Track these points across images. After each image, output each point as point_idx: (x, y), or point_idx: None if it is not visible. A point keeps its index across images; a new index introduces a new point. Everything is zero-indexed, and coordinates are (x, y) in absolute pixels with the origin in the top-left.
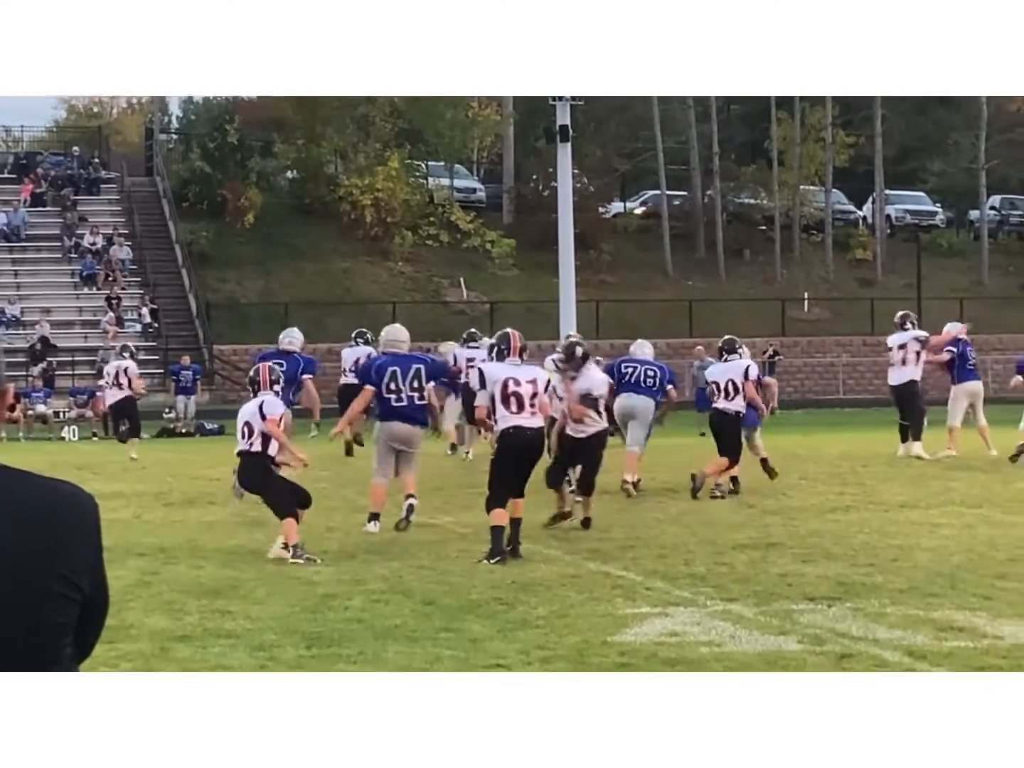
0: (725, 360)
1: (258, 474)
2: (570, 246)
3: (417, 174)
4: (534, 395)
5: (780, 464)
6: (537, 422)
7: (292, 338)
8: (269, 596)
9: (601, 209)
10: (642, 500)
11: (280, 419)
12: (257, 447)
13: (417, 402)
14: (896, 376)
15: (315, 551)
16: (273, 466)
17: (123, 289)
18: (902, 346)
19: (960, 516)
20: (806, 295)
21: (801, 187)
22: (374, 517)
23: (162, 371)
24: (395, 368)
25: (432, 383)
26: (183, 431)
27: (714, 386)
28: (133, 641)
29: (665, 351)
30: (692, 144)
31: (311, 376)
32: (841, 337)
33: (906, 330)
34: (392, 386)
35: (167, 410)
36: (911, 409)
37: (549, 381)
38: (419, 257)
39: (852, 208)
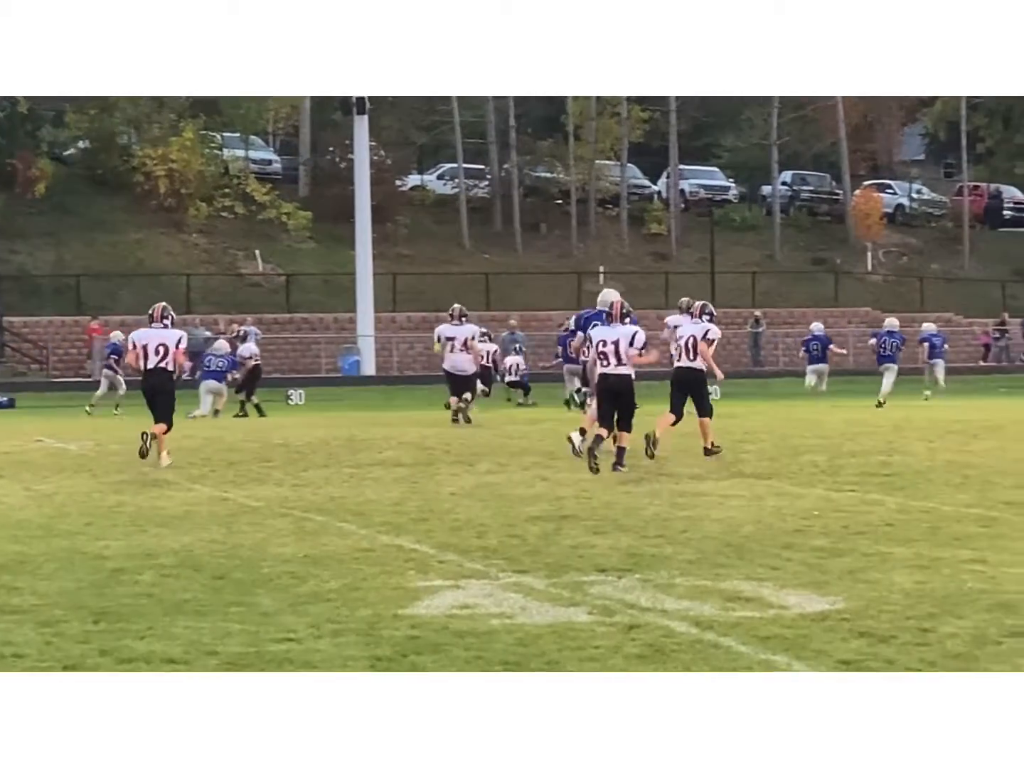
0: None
1: None
2: (367, 219)
3: (212, 145)
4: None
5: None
6: (624, 372)
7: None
8: (57, 571)
9: (398, 182)
10: (436, 473)
11: None
12: None
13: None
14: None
15: (105, 525)
16: None
17: None
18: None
19: (750, 488)
20: (602, 269)
21: (597, 161)
22: (582, 432)
23: None
24: (596, 323)
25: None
26: None
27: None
28: None
29: None
30: (489, 118)
31: None
32: (636, 311)
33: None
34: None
35: None
36: None
37: (635, 336)
38: (214, 229)
39: (647, 182)
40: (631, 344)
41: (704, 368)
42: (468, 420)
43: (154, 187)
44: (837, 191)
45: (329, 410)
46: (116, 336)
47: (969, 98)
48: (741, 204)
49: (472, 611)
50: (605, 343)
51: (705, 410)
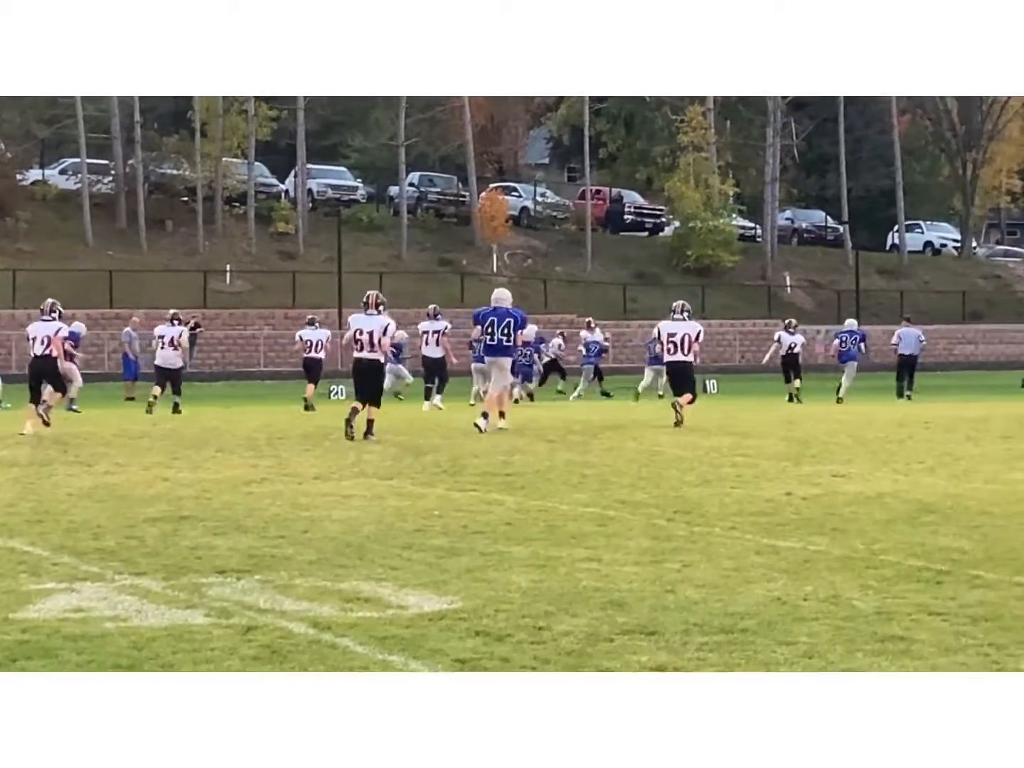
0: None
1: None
2: None
3: None
4: (372, 335)
5: (197, 438)
6: (375, 356)
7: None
8: None
9: (19, 176)
10: (53, 474)
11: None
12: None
13: (504, 343)
14: (427, 351)
15: None
16: None
17: None
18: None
19: (372, 488)
20: (228, 267)
21: (224, 159)
22: (485, 416)
23: None
24: (494, 318)
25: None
26: None
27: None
28: None
29: (85, 321)
30: (114, 112)
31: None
32: (263, 310)
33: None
34: (489, 329)
35: None
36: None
37: (387, 328)
38: None
39: (275, 181)
40: (384, 333)
41: (692, 361)
42: (161, 411)
43: None
44: (463, 193)
45: None
46: None
47: (592, 103)
48: (369, 204)
49: (86, 614)
50: (362, 332)
51: (691, 393)
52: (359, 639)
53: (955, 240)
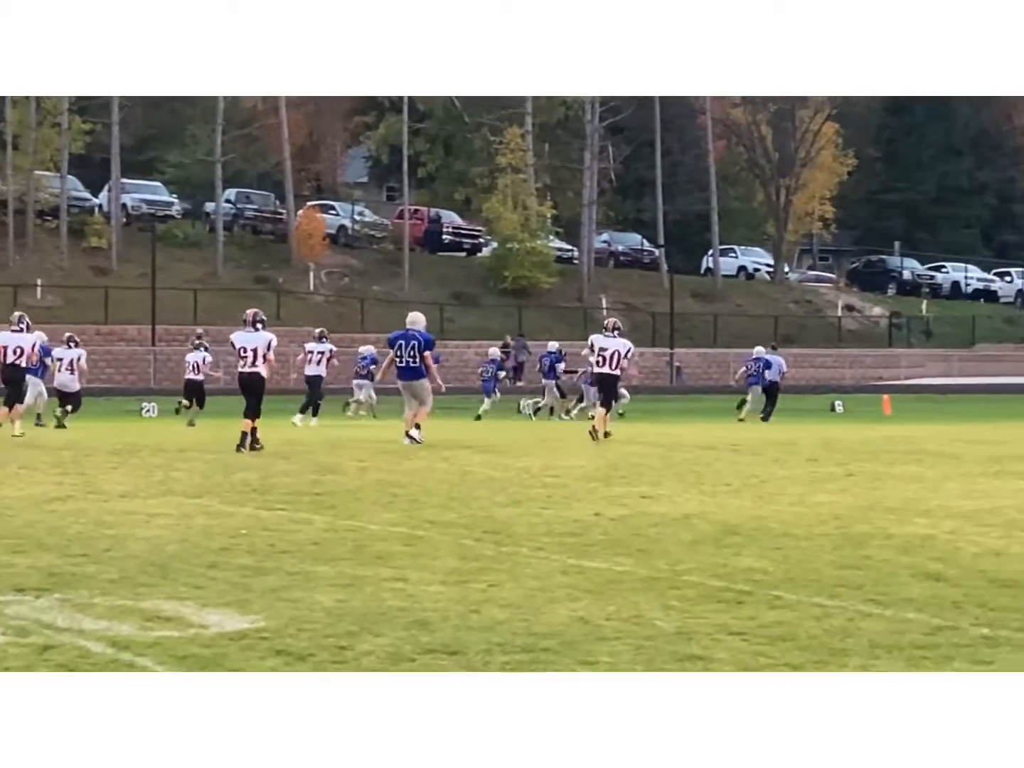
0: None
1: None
2: None
3: None
4: (256, 352)
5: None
6: (256, 370)
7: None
8: None
9: None
10: None
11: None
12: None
13: (412, 364)
14: (309, 369)
15: None
16: None
17: None
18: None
19: (179, 506)
20: (39, 282)
21: (36, 172)
22: (414, 430)
23: None
24: (402, 341)
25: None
26: None
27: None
28: None
29: None
30: None
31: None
32: (74, 325)
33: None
34: (399, 352)
35: None
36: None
37: (271, 343)
38: None
39: (88, 195)
40: (268, 348)
41: (619, 374)
42: (62, 426)
43: None
44: (281, 211)
45: None
46: None
47: (411, 123)
48: (184, 220)
49: None
50: (246, 349)
51: (609, 405)
52: (158, 658)
53: (768, 265)
